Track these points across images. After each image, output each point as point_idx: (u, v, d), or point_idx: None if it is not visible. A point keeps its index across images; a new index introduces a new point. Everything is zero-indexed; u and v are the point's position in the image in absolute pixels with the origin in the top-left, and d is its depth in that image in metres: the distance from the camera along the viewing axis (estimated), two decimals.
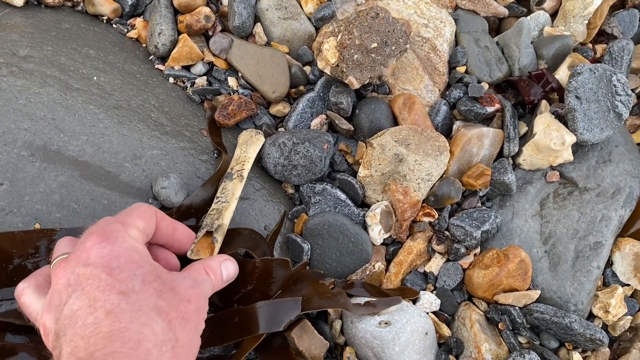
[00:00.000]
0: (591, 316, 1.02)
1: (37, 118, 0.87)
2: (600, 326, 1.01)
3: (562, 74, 1.07)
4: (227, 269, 0.73)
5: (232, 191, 0.86)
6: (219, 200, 0.85)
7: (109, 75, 0.97)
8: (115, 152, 0.90)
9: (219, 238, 0.80)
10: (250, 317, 0.78)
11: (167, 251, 0.76)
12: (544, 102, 1.06)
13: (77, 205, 0.85)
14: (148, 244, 0.71)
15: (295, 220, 0.99)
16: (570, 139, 1.00)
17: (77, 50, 0.97)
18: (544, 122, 1.01)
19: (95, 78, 0.95)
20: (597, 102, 1.00)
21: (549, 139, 0.99)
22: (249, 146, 0.94)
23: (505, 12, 1.12)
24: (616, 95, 1.00)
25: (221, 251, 0.82)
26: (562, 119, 1.04)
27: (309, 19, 1.08)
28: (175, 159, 0.93)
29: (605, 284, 1.03)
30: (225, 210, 0.83)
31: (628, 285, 1.03)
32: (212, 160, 0.96)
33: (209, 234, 0.81)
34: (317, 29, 1.09)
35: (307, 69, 1.08)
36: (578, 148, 1.06)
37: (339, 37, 0.98)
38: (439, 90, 1.08)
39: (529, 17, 1.12)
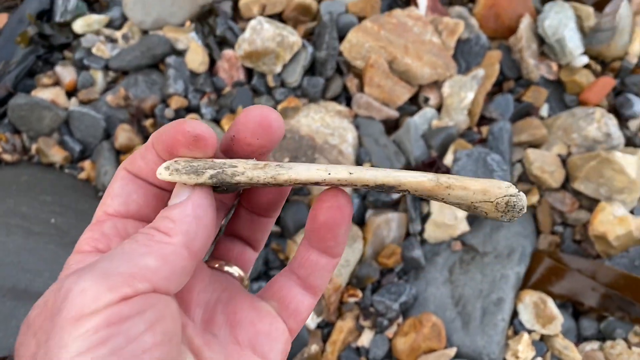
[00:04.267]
0: None
1: (5, 264, 1.02)
2: None
3: (449, 158, 1.28)
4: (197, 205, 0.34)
5: None
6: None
7: (65, 216, 1.14)
8: None
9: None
10: None
11: None
12: None
13: None
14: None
15: None
16: (462, 213, 1.18)
17: (35, 198, 1.14)
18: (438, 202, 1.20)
19: (53, 220, 1.12)
20: None
21: (444, 216, 1.18)
22: None
23: (396, 114, 1.34)
24: (493, 172, 1.21)
25: None
26: None
27: None
28: None
29: (516, 333, 1.19)
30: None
31: (534, 331, 1.19)
32: None
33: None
34: None
35: None
36: (474, 219, 1.25)
37: None
38: None
39: (415, 116, 1.34)
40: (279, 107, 1.30)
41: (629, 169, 1.25)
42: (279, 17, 1.44)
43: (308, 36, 1.42)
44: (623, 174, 1.25)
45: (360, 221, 1.25)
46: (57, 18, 1.35)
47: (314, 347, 1.10)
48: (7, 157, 1.20)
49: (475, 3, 1.52)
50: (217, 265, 0.41)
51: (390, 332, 1.15)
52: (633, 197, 1.31)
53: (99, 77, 1.33)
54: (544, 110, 1.49)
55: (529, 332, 1.19)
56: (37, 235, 1.08)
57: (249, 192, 0.41)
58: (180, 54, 1.35)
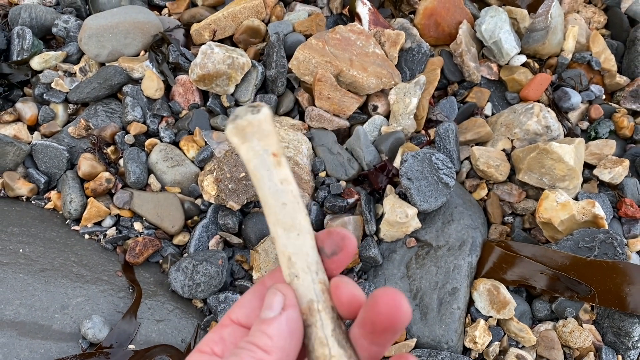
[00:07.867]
0: (467, 350, 1.23)
1: None
2: (477, 356, 1.22)
3: (398, 161, 1.35)
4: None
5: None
6: None
7: (33, 245, 1.18)
8: (45, 307, 1.09)
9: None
10: None
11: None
12: (389, 187, 1.32)
13: (17, 359, 1.03)
14: None
15: (208, 329, 1.19)
16: (412, 211, 1.25)
17: (2, 231, 1.19)
18: (389, 202, 1.27)
19: (21, 250, 1.16)
20: (426, 179, 1.28)
21: (395, 215, 1.25)
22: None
23: (347, 124, 1.42)
24: (439, 170, 1.28)
25: None
26: (405, 196, 1.30)
27: (193, 162, 1.34)
28: (97, 301, 1.13)
29: (473, 320, 1.26)
30: None
31: (491, 316, 1.26)
32: (129, 296, 1.16)
33: None
34: (202, 168, 1.35)
35: (199, 201, 1.32)
36: (426, 215, 1.32)
37: (214, 174, 1.23)
38: (308, 194, 1.34)
39: (365, 124, 1.42)
40: None
41: (567, 158, 1.33)
42: (230, 40, 1.52)
43: (259, 56, 1.49)
44: (562, 162, 1.34)
45: (319, 227, 1.31)
46: (15, 57, 1.40)
47: None
48: None
49: (416, 14, 1.61)
50: None
51: None
52: (575, 184, 1.39)
53: (59, 110, 1.38)
54: (488, 109, 1.58)
55: (486, 318, 1.25)
56: (5, 265, 1.13)
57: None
58: (137, 82, 1.41)
